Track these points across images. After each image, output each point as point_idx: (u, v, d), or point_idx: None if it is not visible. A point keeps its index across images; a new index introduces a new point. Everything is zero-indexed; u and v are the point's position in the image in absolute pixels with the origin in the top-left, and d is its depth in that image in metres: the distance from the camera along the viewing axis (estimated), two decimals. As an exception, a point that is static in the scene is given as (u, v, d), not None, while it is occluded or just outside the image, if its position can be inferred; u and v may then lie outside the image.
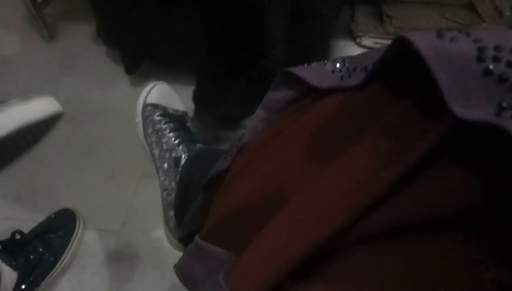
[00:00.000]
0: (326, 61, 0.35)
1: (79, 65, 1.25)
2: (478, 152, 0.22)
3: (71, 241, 0.88)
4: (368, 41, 1.30)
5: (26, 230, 0.84)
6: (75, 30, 1.35)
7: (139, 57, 1.15)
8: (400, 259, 0.24)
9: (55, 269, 0.84)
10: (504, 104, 0.20)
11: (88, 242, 0.91)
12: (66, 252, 0.86)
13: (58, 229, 0.88)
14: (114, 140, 1.07)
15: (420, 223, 0.23)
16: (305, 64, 0.36)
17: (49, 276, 0.84)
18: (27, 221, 0.86)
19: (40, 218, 0.89)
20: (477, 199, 0.21)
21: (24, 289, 0.80)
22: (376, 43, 1.29)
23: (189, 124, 0.75)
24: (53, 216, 0.90)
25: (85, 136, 1.09)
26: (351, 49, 1.31)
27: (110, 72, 1.23)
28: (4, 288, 0.77)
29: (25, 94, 1.15)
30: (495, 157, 0.21)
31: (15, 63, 1.26)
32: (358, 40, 1.31)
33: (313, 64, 0.35)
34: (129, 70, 1.16)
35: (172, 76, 1.20)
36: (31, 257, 0.83)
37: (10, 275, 0.78)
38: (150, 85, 0.76)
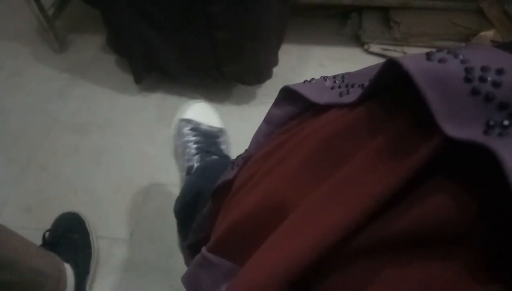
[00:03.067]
0: (326, 77, 0.35)
1: (88, 76, 1.27)
2: (470, 168, 0.22)
3: (89, 230, 0.91)
4: (375, 48, 1.30)
5: (37, 239, 0.85)
6: (85, 41, 1.37)
7: (148, 67, 1.16)
8: (397, 272, 0.24)
9: (93, 250, 0.89)
10: (491, 123, 0.21)
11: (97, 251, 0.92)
12: (91, 238, 0.91)
13: (70, 227, 0.91)
14: (122, 150, 1.09)
15: (416, 237, 0.23)
16: (305, 80, 0.36)
17: (91, 259, 0.88)
18: (37, 230, 0.87)
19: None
20: (469, 215, 0.21)
21: (80, 278, 0.84)
22: (384, 49, 1.29)
23: (220, 139, 0.78)
24: (57, 219, 0.93)
25: (94, 146, 1.10)
26: (359, 56, 1.31)
27: (119, 82, 1.25)
28: (70, 282, 0.81)
29: (35, 105, 1.17)
30: (486, 173, 0.21)
31: (27, 75, 1.29)
32: (365, 46, 1.31)
33: (314, 80, 0.36)
34: (138, 80, 1.18)
35: (180, 87, 1.22)
36: (69, 245, 0.87)
37: (66, 267, 0.82)
38: (189, 102, 0.82)
